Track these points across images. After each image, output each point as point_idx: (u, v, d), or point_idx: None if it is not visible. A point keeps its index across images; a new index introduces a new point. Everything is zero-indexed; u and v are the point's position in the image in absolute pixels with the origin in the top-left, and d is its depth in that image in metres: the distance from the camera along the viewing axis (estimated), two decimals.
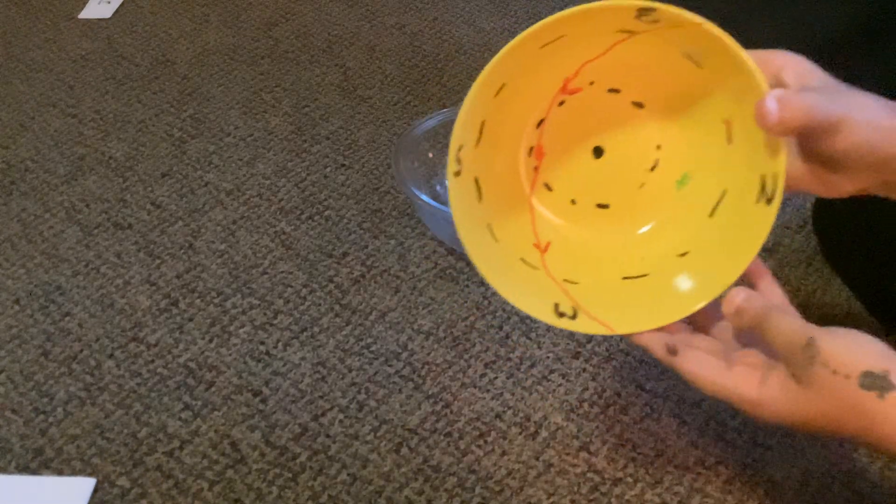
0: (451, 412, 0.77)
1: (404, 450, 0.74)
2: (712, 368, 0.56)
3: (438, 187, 0.96)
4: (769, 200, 0.56)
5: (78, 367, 0.81)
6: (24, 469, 0.73)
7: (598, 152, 0.64)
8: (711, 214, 0.61)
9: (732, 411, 0.76)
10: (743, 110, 0.56)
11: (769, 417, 0.54)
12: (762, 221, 0.56)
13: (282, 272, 0.91)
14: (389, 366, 0.81)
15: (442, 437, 0.75)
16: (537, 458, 0.73)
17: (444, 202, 0.96)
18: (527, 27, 0.53)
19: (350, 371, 0.81)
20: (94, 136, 1.10)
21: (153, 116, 1.13)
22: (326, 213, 0.98)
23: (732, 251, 0.58)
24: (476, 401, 0.78)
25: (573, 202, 0.65)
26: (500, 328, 0.84)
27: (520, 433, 0.75)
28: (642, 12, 0.54)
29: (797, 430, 0.57)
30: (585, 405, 0.77)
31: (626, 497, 0.71)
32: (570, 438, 0.75)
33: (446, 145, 0.57)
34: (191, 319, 0.86)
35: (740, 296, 0.56)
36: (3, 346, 0.83)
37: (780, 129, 0.53)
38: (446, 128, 0.96)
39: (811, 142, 0.55)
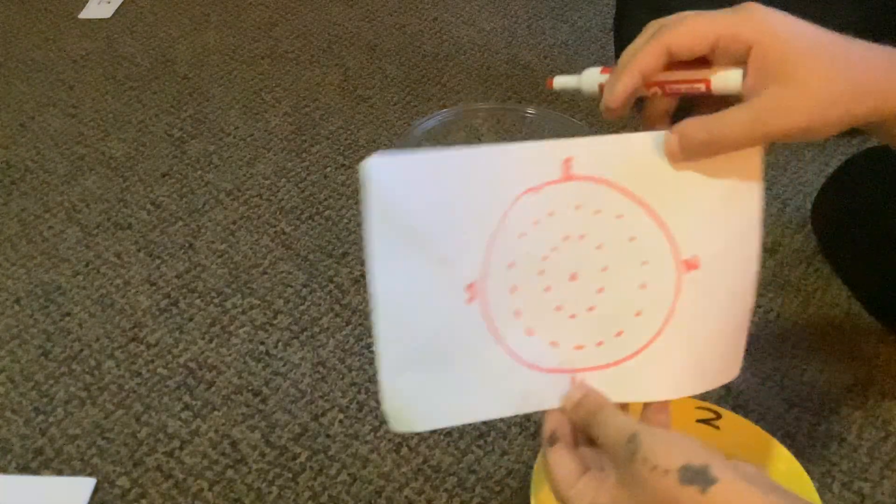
0: None
1: (404, 450, 0.74)
2: (568, 470, 0.53)
3: None
4: None
5: (78, 367, 0.81)
6: (24, 469, 0.73)
7: None
8: None
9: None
10: None
11: None
12: None
13: (282, 272, 0.91)
14: None
15: (442, 437, 0.75)
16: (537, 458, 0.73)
17: None
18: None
19: (350, 371, 0.81)
20: (94, 136, 1.10)
21: (153, 116, 1.13)
22: (326, 213, 0.98)
23: None
24: None
25: None
26: None
27: (520, 433, 0.75)
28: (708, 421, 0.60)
29: None
30: None
31: None
32: None
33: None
34: (191, 319, 0.86)
35: (581, 391, 0.55)
36: (3, 346, 0.83)
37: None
38: (446, 128, 0.95)
39: None
